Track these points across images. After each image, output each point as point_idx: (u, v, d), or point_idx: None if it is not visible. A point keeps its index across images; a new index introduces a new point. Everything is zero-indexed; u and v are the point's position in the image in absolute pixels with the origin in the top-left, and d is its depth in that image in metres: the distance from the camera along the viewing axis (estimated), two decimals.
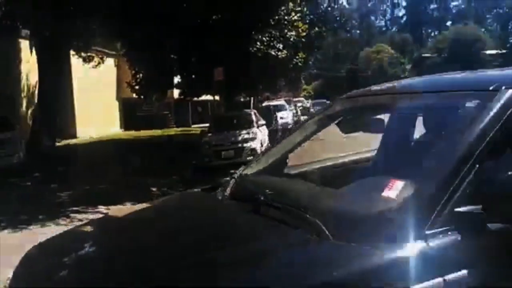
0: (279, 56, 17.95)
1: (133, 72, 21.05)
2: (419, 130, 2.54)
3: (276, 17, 17.66)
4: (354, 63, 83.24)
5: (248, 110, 17.60)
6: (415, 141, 2.43)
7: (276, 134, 19.39)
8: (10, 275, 2.21)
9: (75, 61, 19.99)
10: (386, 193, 1.72)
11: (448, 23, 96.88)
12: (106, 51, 23.49)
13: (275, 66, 18.98)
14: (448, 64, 63.91)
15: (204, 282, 1.57)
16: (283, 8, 17.86)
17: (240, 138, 13.68)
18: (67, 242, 2.38)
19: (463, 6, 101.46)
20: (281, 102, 26.06)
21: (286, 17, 18.22)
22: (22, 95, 20.23)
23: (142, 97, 22.89)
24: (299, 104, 37.22)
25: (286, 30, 18.41)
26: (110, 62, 25.71)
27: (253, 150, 13.49)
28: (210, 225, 2.15)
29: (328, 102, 46.88)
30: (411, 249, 1.51)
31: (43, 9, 13.36)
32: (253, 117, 14.87)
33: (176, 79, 20.89)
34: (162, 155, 15.01)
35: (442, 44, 78.59)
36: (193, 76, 20.10)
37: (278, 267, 1.60)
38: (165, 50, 17.94)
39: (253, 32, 17.27)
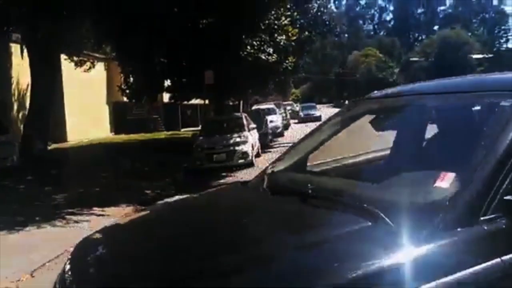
0: (269, 60, 18.16)
1: (124, 76, 21.15)
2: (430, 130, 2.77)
3: (266, 22, 17.87)
4: (342, 66, 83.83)
5: (239, 114, 17.78)
6: (448, 139, 2.57)
7: (266, 138, 19.63)
8: (14, 274, 2.34)
9: (65, 65, 20.04)
10: (439, 184, 1.91)
11: (435, 27, 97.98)
12: (97, 55, 23.54)
13: (265, 70, 19.18)
14: (436, 68, 64.69)
15: (297, 261, 1.73)
16: (273, 12, 18.08)
17: (231, 141, 13.88)
18: (118, 233, 2.55)
19: (450, 11, 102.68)
20: (270, 105, 26.28)
21: (276, 22, 18.45)
22: (13, 99, 20.23)
23: (133, 100, 23.00)
24: (288, 108, 37.49)
25: (276, 34, 18.63)
26: (100, 66, 25.75)
27: (245, 153, 13.69)
28: (273, 215, 2.30)
29: (315, 105, 46.55)
30: (471, 233, 1.69)
31: (36, 13, 13.44)
32: (244, 121, 15.07)
33: (166, 83, 20.99)
34: (154, 158, 15.14)
35: (430, 48, 79.47)
36: (184, 79, 20.27)
37: (349, 250, 1.74)
38: (156, 54, 18.08)
39: (243, 36, 17.46)
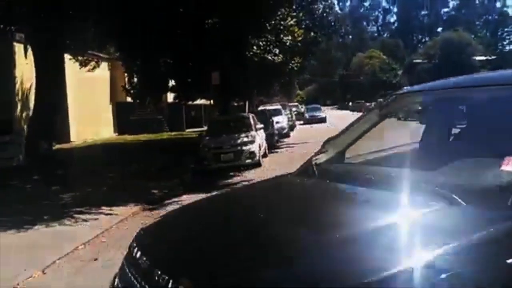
0: (276, 61, 18.08)
1: (128, 76, 21.08)
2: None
3: (272, 22, 17.80)
4: (346, 68, 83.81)
5: (246, 114, 17.69)
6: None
7: (273, 138, 19.53)
8: (26, 271, 2.31)
9: (69, 65, 19.99)
10: (506, 167, 2.02)
11: (439, 29, 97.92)
12: (101, 55, 23.50)
13: (271, 71, 19.11)
14: (439, 69, 64.57)
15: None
16: (279, 13, 18.02)
17: (239, 141, 13.76)
18: (178, 220, 2.68)
19: (453, 13, 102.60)
20: (277, 106, 26.21)
21: (282, 22, 18.38)
22: (17, 98, 20.16)
23: (137, 101, 22.96)
24: (293, 109, 37.47)
25: (282, 35, 18.56)
26: (104, 66, 25.72)
27: (252, 153, 13.57)
28: (349, 200, 2.44)
29: (320, 107, 46.89)
30: None
31: (39, 12, 13.37)
32: (251, 121, 14.95)
33: (171, 83, 20.93)
34: (160, 158, 15.06)
35: (433, 50, 79.41)
36: (189, 80, 20.22)
37: (428, 229, 1.85)
38: (161, 54, 18.01)
39: (249, 37, 17.39)
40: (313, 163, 2.86)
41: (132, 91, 21.00)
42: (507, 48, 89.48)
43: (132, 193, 9.93)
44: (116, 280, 2.29)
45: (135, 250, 2.25)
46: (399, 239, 1.81)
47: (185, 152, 16.51)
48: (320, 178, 2.71)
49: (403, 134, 3.40)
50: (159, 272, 1.90)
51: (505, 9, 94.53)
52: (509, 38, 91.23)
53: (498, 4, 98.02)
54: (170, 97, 24.78)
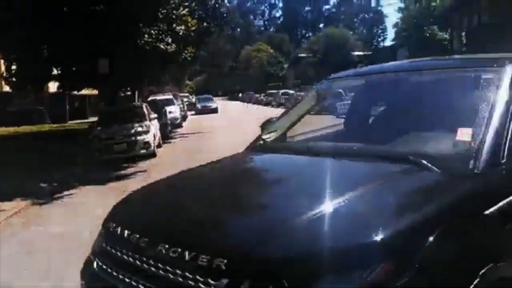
0: (168, 50, 17.80)
1: (6, 63, 19.36)
2: None
3: (165, 11, 17.48)
4: (235, 60, 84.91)
5: (139, 103, 17.22)
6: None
7: (166, 128, 19.27)
8: None
9: None
10: (460, 137, 2.30)
11: (321, 25, 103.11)
12: None
13: (163, 60, 18.77)
14: (321, 64, 68.10)
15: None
16: (171, 2, 17.73)
17: (132, 131, 13.37)
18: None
19: (334, 10, 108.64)
20: (169, 96, 25.80)
21: (174, 11, 18.11)
22: None
23: (16, 90, 21.21)
24: (185, 99, 37.19)
25: (174, 24, 18.29)
26: None
27: (147, 143, 13.28)
28: (318, 171, 2.50)
29: (212, 97, 47.15)
30: (499, 172, 2.17)
31: None
32: (145, 110, 14.60)
33: (55, 71, 19.59)
34: (48, 151, 14.13)
35: (316, 45, 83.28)
36: (74, 68, 19.12)
37: (406, 194, 2.07)
38: (43, 41, 16.81)
39: (140, 25, 16.89)
40: (260, 142, 3.03)
41: (10, 80, 19.32)
42: (381, 44, 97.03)
43: (18, 188, 9.23)
44: (94, 265, 2.22)
45: (119, 228, 2.19)
46: (382, 202, 1.97)
47: (72, 144, 15.65)
48: (276, 153, 2.88)
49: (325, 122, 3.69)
50: (167, 246, 1.90)
51: (379, 8, 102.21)
52: (383, 35, 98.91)
53: (373, 3, 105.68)
54: (53, 86, 23.19)
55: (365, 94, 3.33)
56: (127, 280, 2.00)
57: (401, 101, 3.05)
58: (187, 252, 1.84)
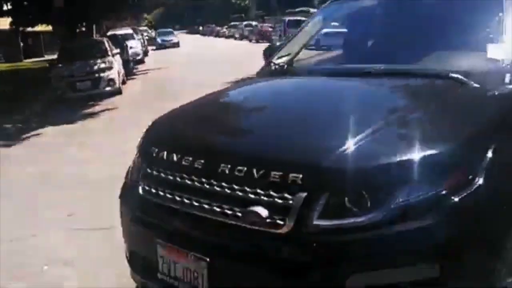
0: None
1: None
2: None
3: None
4: None
5: (100, 38, 16.46)
6: None
7: (129, 64, 18.64)
8: None
9: None
10: (491, 55, 2.30)
11: None
12: None
13: None
14: None
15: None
16: None
17: (95, 67, 12.85)
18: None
19: None
20: (128, 31, 24.70)
21: None
22: None
23: None
24: (145, 34, 35.86)
25: None
26: None
27: (111, 80, 12.83)
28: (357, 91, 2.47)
29: (173, 31, 45.74)
30: None
31: None
32: (107, 46, 13.97)
33: (6, 7, 18.37)
34: (6, 91, 13.53)
35: None
36: (26, 2, 17.99)
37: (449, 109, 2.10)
38: None
39: None
40: (276, 66, 3.00)
41: None
42: None
43: None
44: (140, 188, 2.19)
45: (165, 152, 2.14)
46: (440, 117, 2.00)
47: (31, 83, 15.01)
48: (297, 76, 2.88)
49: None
50: (229, 165, 1.88)
51: None
52: None
53: None
54: (5, 23, 21.81)
55: (379, 14, 3.23)
56: (186, 201, 1.97)
57: (422, 19, 2.95)
58: (255, 170, 1.81)
